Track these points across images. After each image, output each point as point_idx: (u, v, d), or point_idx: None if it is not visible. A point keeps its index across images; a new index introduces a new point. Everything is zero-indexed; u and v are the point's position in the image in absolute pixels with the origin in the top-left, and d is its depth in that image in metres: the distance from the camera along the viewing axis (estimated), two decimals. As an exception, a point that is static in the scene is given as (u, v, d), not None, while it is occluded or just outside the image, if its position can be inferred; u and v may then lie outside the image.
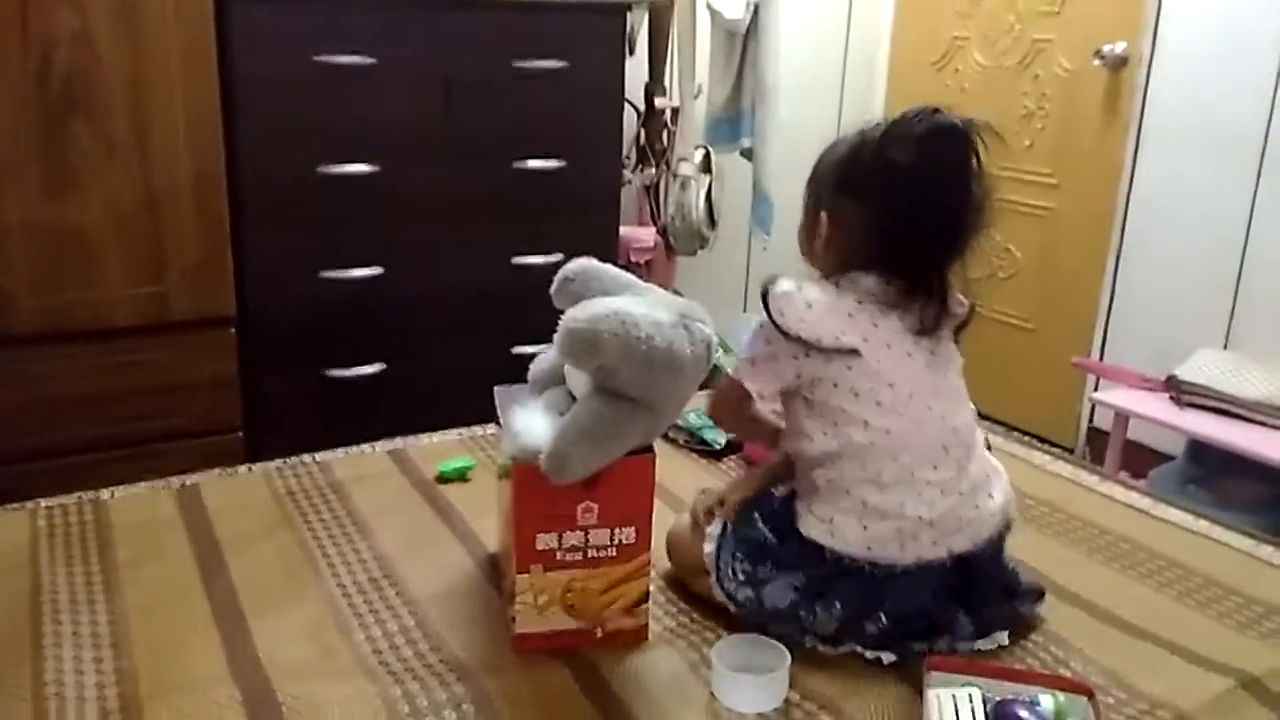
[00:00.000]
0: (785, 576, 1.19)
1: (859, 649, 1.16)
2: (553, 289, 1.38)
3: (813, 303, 1.18)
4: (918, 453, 1.17)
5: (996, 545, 1.23)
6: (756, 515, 1.27)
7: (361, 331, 2.21)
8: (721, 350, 2.98)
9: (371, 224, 2.16)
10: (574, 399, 1.24)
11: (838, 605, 1.16)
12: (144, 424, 1.94)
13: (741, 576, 1.21)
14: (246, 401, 2.07)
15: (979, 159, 1.17)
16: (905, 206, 1.17)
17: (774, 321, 1.18)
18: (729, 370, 1.30)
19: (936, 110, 1.17)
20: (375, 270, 2.17)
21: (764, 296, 1.20)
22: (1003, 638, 1.19)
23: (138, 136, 1.86)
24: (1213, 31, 2.53)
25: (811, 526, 1.20)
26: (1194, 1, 2.56)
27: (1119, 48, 2.75)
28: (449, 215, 2.25)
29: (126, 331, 1.92)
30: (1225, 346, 2.50)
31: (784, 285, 1.20)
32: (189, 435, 1.98)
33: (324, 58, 2.00)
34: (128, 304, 1.91)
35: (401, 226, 2.20)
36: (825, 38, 3.26)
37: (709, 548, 1.25)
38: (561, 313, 1.19)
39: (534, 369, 1.40)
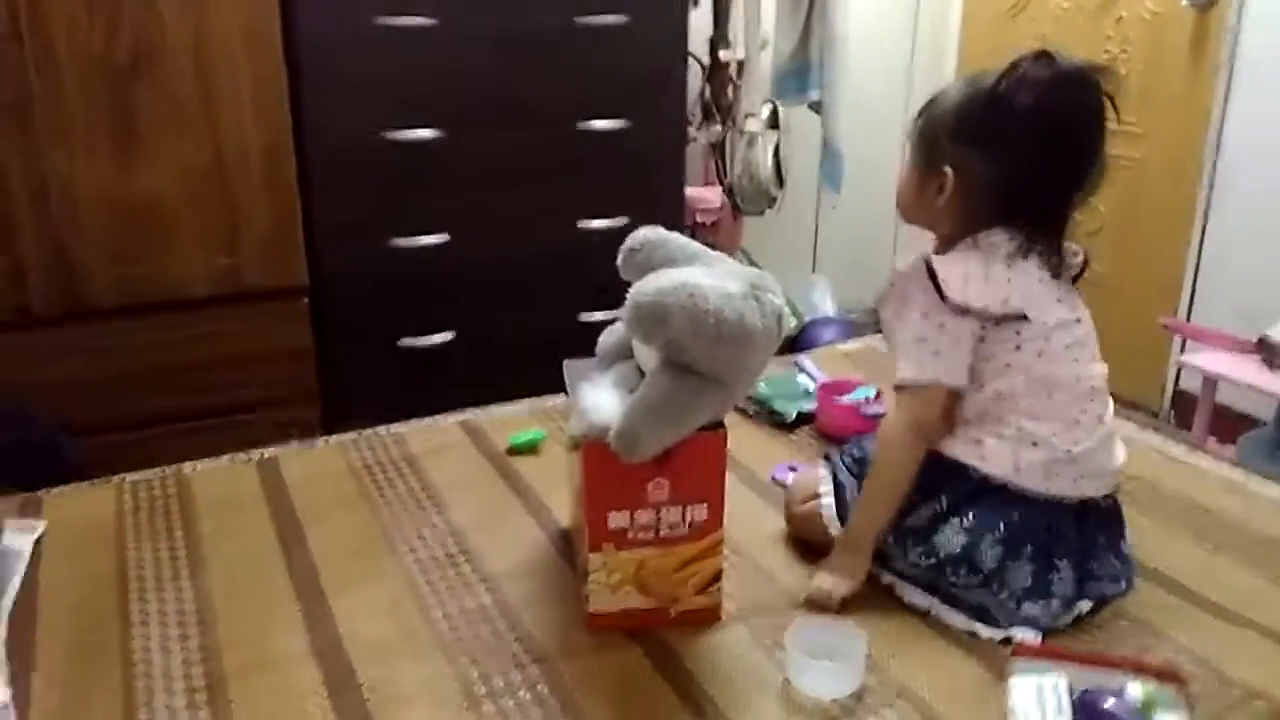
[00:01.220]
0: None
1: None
2: (619, 260, 1.35)
3: (970, 274, 1.16)
4: (1071, 394, 1.19)
5: (1116, 501, 1.25)
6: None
7: (430, 299, 2.22)
8: (790, 313, 2.95)
9: (436, 190, 2.16)
10: (643, 374, 1.22)
11: (1001, 528, 1.15)
12: (221, 395, 1.99)
13: (891, 536, 1.20)
14: (321, 370, 2.10)
15: (1110, 101, 1.15)
16: (1040, 153, 1.15)
17: (944, 298, 1.16)
18: (904, 384, 1.20)
19: (1051, 56, 1.15)
20: (442, 237, 2.17)
21: (930, 273, 1.17)
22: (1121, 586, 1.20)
23: (204, 102, 1.88)
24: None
25: (958, 448, 1.20)
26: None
27: (1209, -13, 2.60)
28: (512, 179, 2.24)
29: (201, 303, 1.96)
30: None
31: (925, 259, 1.19)
32: (266, 405, 2.02)
33: (385, 20, 1.99)
34: (202, 275, 1.95)
35: (466, 192, 2.20)
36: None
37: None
38: (629, 283, 1.18)
39: (602, 342, 1.38)
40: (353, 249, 2.11)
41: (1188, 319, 2.73)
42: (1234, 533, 1.36)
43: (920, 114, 1.27)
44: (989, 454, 1.18)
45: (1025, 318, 1.16)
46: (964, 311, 1.16)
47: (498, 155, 2.20)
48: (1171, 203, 2.79)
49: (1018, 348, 1.18)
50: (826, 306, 3.12)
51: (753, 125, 2.68)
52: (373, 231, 2.11)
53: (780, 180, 2.75)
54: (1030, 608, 1.15)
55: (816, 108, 2.83)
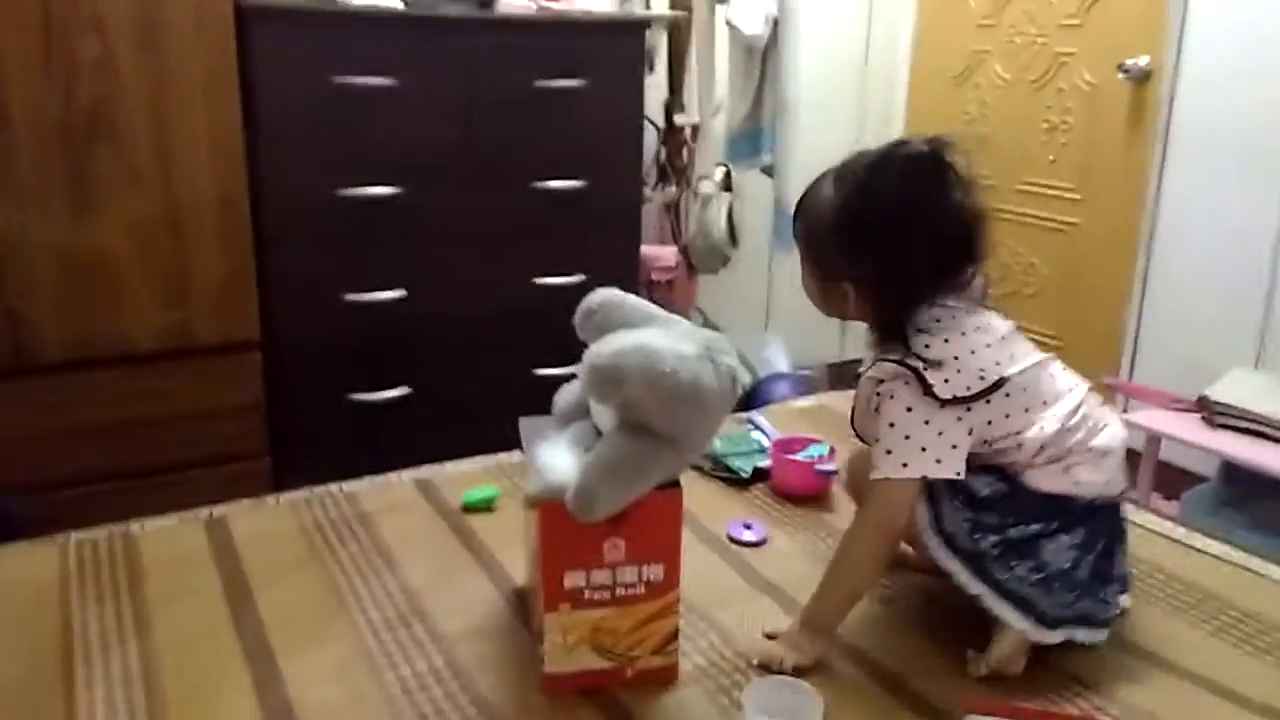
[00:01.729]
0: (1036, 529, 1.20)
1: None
2: (576, 320, 1.37)
3: (942, 359, 1.18)
4: (1075, 400, 1.24)
5: None
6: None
7: (385, 355, 2.21)
8: (744, 370, 2.98)
9: (393, 246, 2.17)
10: (599, 434, 1.23)
11: (1101, 544, 1.20)
12: (170, 451, 1.96)
13: (996, 551, 1.19)
14: (272, 426, 2.08)
15: (955, 171, 1.19)
16: (922, 242, 1.18)
17: (932, 397, 1.16)
18: (890, 477, 1.19)
19: (899, 144, 1.21)
20: (398, 293, 2.18)
21: (916, 372, 1.17)
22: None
23: (160, 160, 1.87)
24: (1238, 42, 2.50)
25: (1054, 482, 1.21)
26: (1218, 12, 2.54)
27: (1143, 61, 2.72)
28: (470, 236, 2.26)
29: (150, 357, 1.94)
30: (1257, 366, 2.47)
31: (901, 366, 1.19)
32: (215, 462, 2.00)
33: (345, 79, 2.01)
34: (152, 330, 1.93)
35: (423, 248, 2.21)
36: (845, 52, 3.25)
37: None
38: (585, 341, 1.19)
39: (558, 401, 1.39)
40: (307, 303, 2.10)
41: (1129, 378, 2.81)
42: (1177, 587, 1.40)
43: (797, 219, 1.29)
44: (1080, 476, 1.22)
45: (1004, 379, 1.18)
46: (950, 402, 1.17)
47: (455, 213, 2.22)
48: (1112, 265, 2.88)
49: (1025, 409, 1.21)
50: (780, 363, 3.16)
51: (707, 187, 2.73)
52: (327, 286, 2.11)
53: (734, 240, 2.80)
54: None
55: (769, 171, 2.90)
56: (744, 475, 1.71)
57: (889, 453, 1.18)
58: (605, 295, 1.39)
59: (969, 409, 1.18)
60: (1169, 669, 1.21)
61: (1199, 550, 1.51)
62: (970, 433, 1.19)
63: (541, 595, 1.14)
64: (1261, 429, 2.26)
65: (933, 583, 1.32)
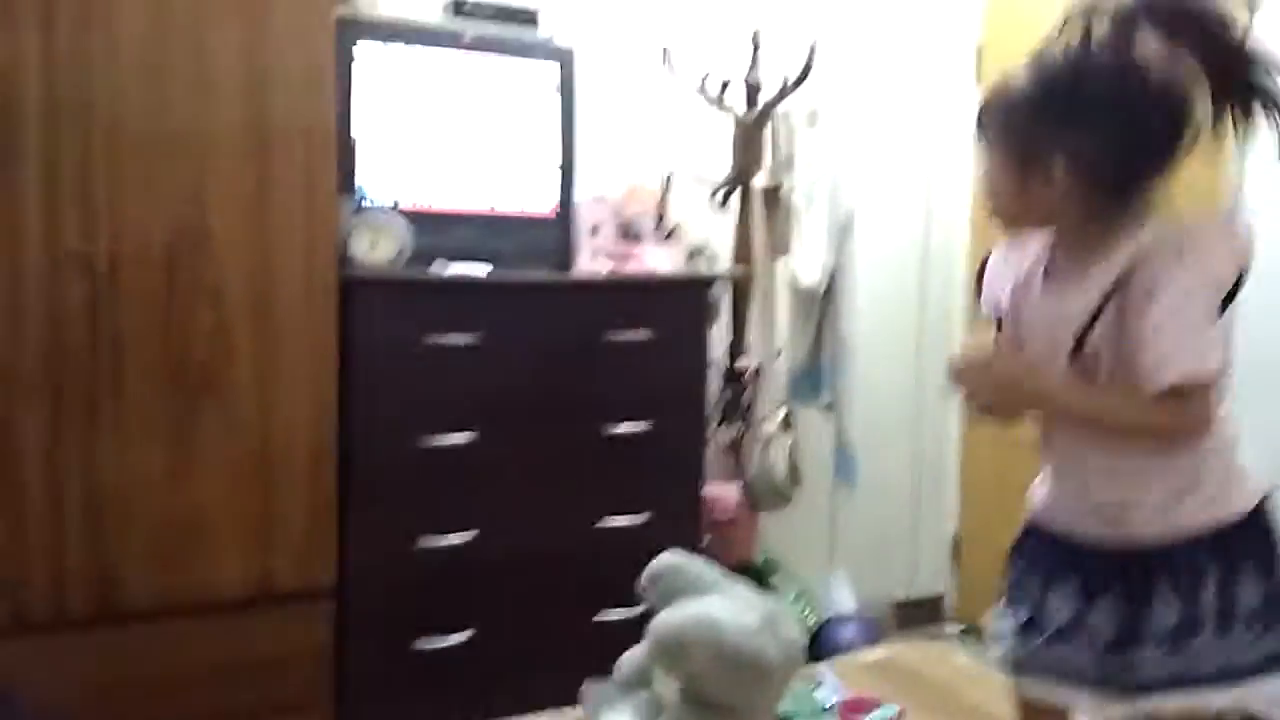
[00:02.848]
0: None
1: None
2: (641, 585, 1.41)
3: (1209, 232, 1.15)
4: None
5: None
6: None
7: (452, 598, 2.24)
8: (810, 610, 2.94)
9: (467, 489, 2.24)
10: (660, 708, 1.25)
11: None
12: (236, 697, 1.96)
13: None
14: (337, 673, 2.09)
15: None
16: (1148, 108, 1.12)
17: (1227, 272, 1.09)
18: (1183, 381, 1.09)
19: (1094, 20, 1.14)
20: (469, 535, 2.23)
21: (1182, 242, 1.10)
22: None
23: (261, 415, 1.99)
24: None
25: (1210, 509, 1.17)
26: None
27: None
28: (539, 479, 2.33)
29: (231, 605, 1.98)
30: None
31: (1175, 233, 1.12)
32: (280, 711, 1.99)
33: (433, 338, 2.14)
34: (236, 577, 1.99)
35: (494, 490, 2.27)
36: (901, 295, 3.37)
37: None
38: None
39: (623, 665, 1.41)
40: (382, 550, 2.16)
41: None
42: None
43: (991, 111, 1.21)
44: (1239, 487, 1.18)
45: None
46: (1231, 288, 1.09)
47: (526, 456, 2.30)
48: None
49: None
50: (847, 602, 3.11)
51: (768, 428, 2.81)
52: (403, 532, 2.17)
53: (795, 480, 2.84)
54: None
55: (830, 408, 2.98)
56: (809, 740, 1.67)
57: (1190, 345, 1.07)
58: (669, 561, 1.43)
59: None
60: None
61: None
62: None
63: None
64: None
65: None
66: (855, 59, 3.20)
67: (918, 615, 3.39)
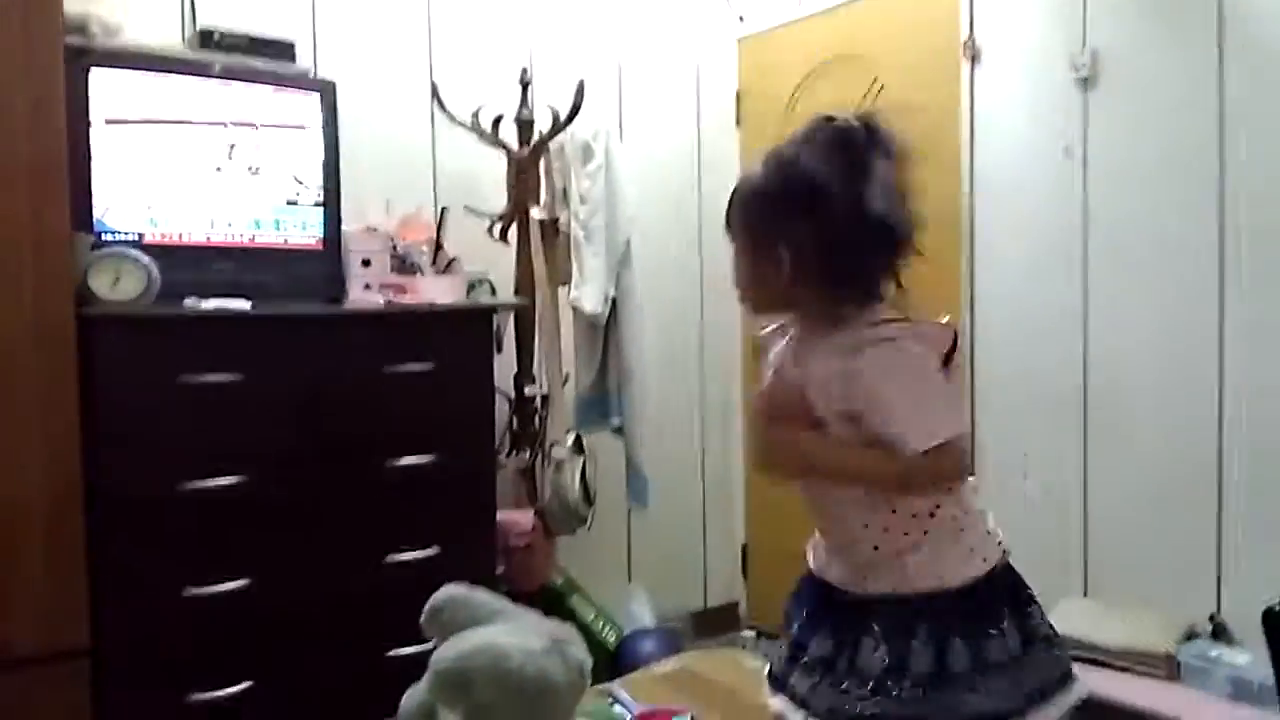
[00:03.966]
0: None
1: None
2: (423, 619, 1.38)
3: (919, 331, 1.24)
4: None
5: None
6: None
7: (226, 648, 2.11)
8: (609, 628, 2.97)
9: (237, 536, 2.13)
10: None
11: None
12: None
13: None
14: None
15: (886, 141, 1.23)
16: (854, 198, 1.20)
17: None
18: (916, 447, 1.20)
19: (830, 117, 1.24)
20: (242, 582, 2.11)
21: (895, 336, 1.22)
22: None
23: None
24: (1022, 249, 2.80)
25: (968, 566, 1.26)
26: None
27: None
28: (319, 520, 2.23)
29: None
30: (1085, 594, 2.62)
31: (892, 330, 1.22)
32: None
33: (189, 378, 2.03)
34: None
35: (269, 536, 2.17)
36: (680, 321, 3.50)
37: None
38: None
39: (404, 705, 1.37)
40: (143, 602, 2.01)
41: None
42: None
43: (735, 201, 1.30)
44: (964, 558, 1.28)
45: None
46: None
47: (302, 498, 2.21)
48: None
49: None
50: (646, 617, 3.16)
51: (559, 452, 2.81)
52: (166, 583, 2.03)
53: (589, 501, 2.86)
54: None
55: (619, 431, 3.02)
56: (604, 760, 1.68)
57: (928, 413, 1.20)
58: (450, 593, 1.41)
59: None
60: None
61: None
62: None
63: None
64: (1098, 657, 2.37)
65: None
66: (628, 97, 3.32)
67: (714, 624, 3.50)
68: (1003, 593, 1.31)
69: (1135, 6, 2.47)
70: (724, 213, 1.33)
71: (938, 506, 1.28)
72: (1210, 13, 2.31)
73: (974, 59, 2.80)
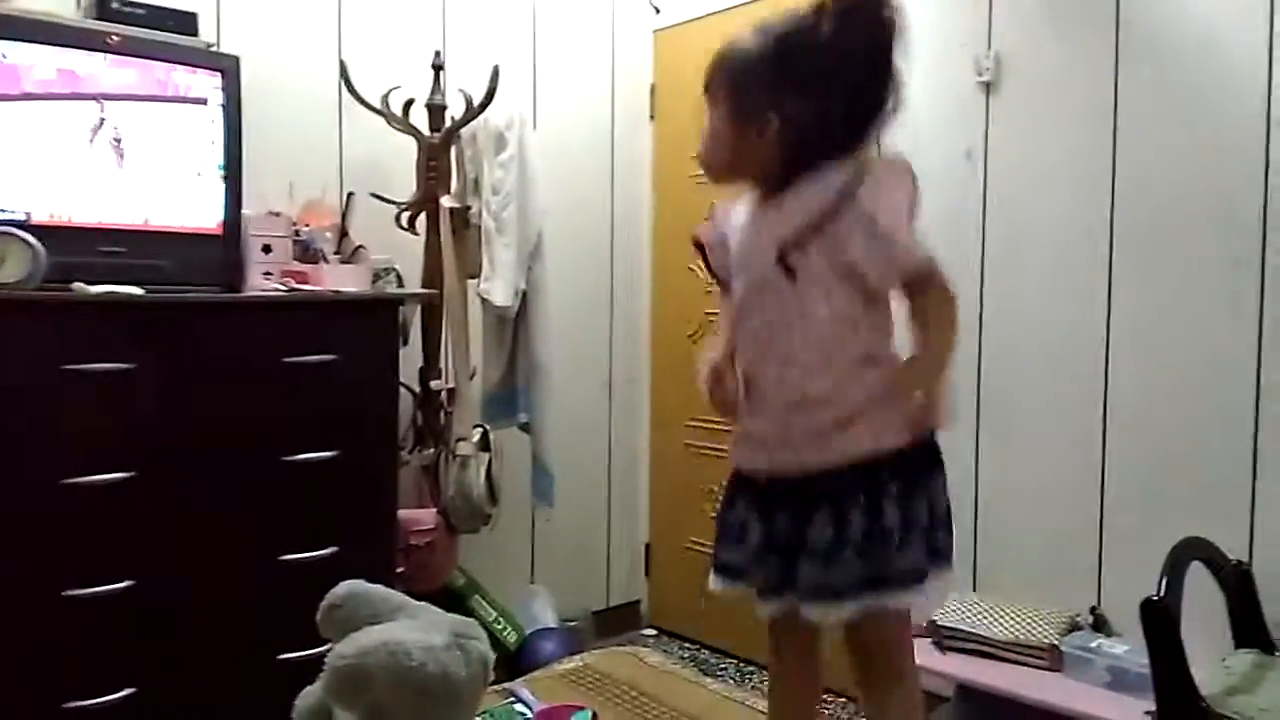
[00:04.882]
0: None
1: None
2: (319, 617, 1.34)
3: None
4: None
5: None
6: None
7: (107, 652, 2.01)
8: (510, 628, 2.94)
9: (124, 532, 2.03)
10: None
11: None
12: None
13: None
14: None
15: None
16: (861, 83, 1.27)
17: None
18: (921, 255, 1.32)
19: None
20: (128, 583, 2.02)
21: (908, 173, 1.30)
22: None
23: None
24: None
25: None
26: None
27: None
28: (210, 519, 2.14)
29: None
30: (974, 589, 2.71)
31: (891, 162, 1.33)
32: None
33: (74, 366, 1.93)
34: None
35: (157, 534, 2.07)
36: (591, 316, 3.49)
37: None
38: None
39: (299, 706, 1.33)
40: (16, 605, 1.90)
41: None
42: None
43: (720, 68, 1.31)
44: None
45: None
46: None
47: (195, 493, 2.12)
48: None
49: None
50: (547, 617, 3.14)
51: (465, 448, 2.77)
52: (42, 584, 1.92)
53: (494, 499, 2.82)
54: None
55: (526, 428, 3.00)
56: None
57: (914, 239, 1.29)
58: (348, 589, 1.38)
59: None
60: None
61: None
62: None
63: None
64: (987, 649, 2.46)
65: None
66: (542, 86, 3.29)
67: (616, 623, 3.50)
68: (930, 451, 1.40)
69: (1038, 12, 2.56)
70: (707, 74, 1.35)
71: (878, 359, 1.37)
72: (1109, 20, 2.41)
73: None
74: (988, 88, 2.64)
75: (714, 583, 1.44)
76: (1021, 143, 2.60)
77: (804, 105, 1.26)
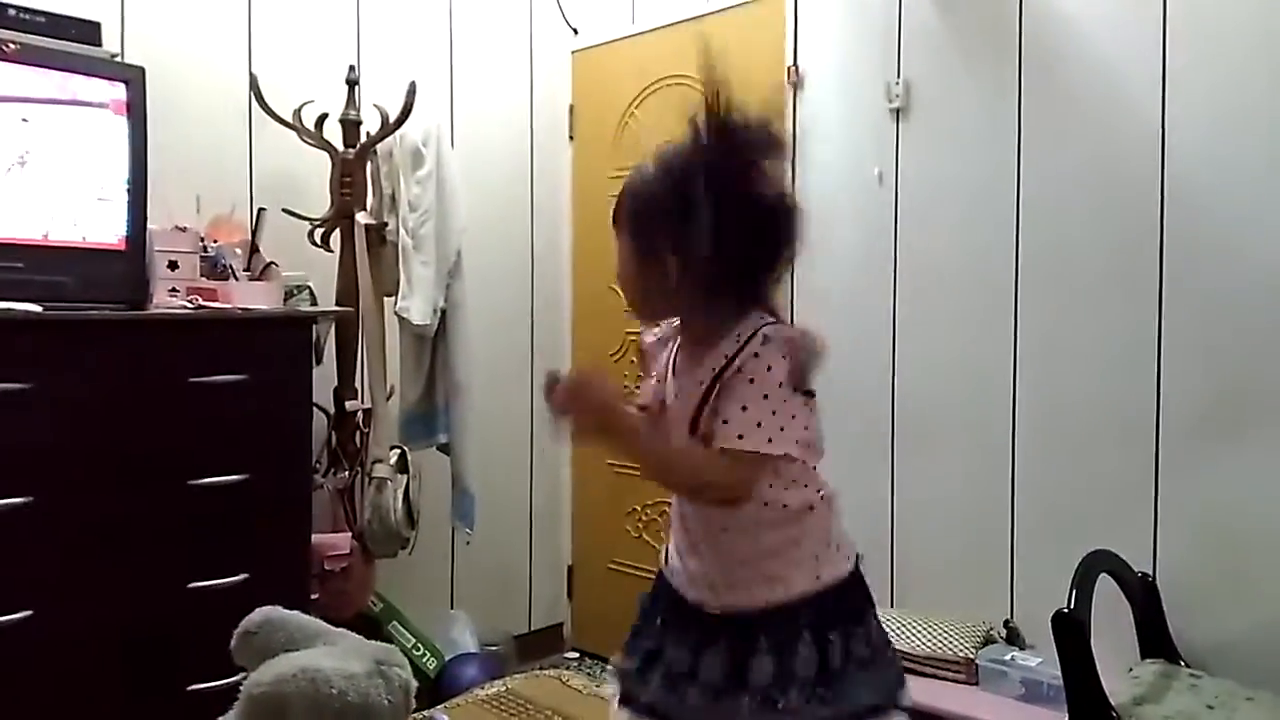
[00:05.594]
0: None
1: None
2: (233, 644, 1.29)
3: (790, 337, 1.22)
4: None
5: None
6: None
7: (4, 688, 1.90)
8: (430, 654, 2.87)
9: (19, 562, 1.93)
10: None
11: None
12: None
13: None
14: None
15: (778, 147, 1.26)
16: (746, 215, 1.20)
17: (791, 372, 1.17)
18: (740, 449, 1.19)
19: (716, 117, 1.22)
20: (22, 614, 1.91)
21: (768, 340, 1.20)
22: None
23: None
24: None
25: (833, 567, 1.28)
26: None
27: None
28: (113, 545, 2.06)
29: None
30: (892, 604, 2.75)
31: (769, 331, 1.21)
32: None
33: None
34: None
35: (55, 562, 1.98)
36: (511, 334, 3.46)
37: None
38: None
39: (212, 739, 1.27)
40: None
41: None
42: None
43: (623, 201, 1.26)
44: (831, 562, 1.31)
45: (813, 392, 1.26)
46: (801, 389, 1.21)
47: (96, 519, 2.03)
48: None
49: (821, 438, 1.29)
50: (468, 642, 3.08)
51: (382, 470, 2.71)
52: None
53: (412, 522, 2.76)
54: None
55: (445, 449, 2.95)
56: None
57: (759, 425, 1.17)
58: (265, 614, 1.33)
59: (806, 401, 1.22)
60: None
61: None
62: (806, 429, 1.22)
63: None
64: (904, 664, 2.49)
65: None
66: (459, 103, 3.26)
67: (539, 646, 3.45)
68: (862, 588, 1.37)
69: (946, 41, 2.64)
70: (615, 206, 1.29)
71: (811, 507, 1.31)
72: (1012, 50, 2.50)
73: (796, 85, 2.92)
74: (898, 114, 2.71)
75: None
76: (931, 166, 2.67)
77: (696, 242, 1.18)
